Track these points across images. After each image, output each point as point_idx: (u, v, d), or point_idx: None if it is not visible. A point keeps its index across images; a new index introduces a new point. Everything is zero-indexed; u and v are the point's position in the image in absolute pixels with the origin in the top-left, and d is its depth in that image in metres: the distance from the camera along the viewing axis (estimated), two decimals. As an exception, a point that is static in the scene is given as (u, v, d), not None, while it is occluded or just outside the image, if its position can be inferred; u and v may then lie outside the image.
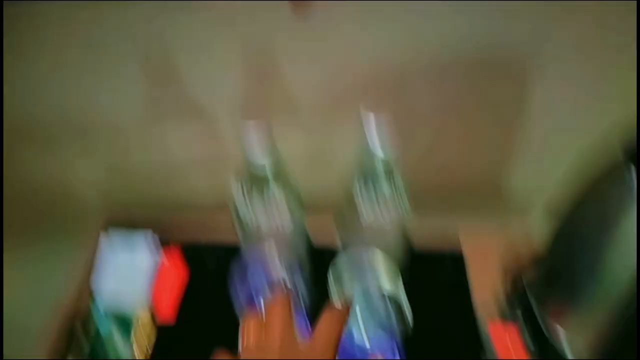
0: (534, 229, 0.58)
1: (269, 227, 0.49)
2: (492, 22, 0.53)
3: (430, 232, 0.67)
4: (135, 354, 0.57)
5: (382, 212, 0.47)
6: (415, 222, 0.52)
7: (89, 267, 0.65)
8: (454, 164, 0.71)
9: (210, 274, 0.64)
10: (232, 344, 0.40)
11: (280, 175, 0.47)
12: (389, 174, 0.47)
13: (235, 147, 0.45)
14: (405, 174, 0.48)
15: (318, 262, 0.58)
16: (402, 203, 0.48)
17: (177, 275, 0.64)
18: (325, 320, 0.37)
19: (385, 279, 0.50)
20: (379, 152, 0.44)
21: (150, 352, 0.57)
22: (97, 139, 0.68)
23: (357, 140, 0.45)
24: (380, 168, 0.46)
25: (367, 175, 0.47)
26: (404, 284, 0.52)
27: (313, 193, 0.56)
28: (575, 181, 0.46)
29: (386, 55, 0.56)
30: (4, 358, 0.63)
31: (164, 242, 0.66)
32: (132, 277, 0.62)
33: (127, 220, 0.70)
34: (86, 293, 0.62)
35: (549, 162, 0.69)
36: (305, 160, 0.69)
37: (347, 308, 0.39)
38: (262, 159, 0.44)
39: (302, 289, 0.53)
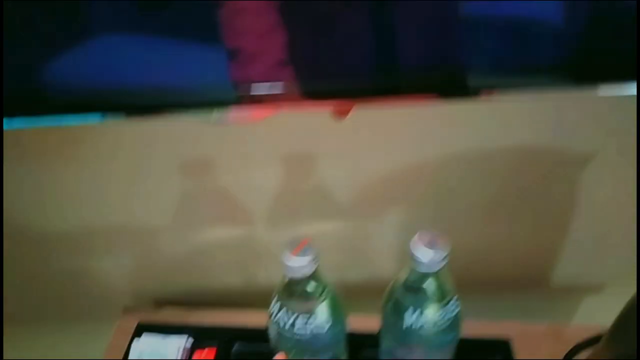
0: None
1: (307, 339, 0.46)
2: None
3: (479, 331, 0.64)
4: None
5: (430, 325, 0.45)
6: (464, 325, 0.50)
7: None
8: (501, 261, 0.69)
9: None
10: None
11: (323, 291, 0.46)
12: (439, 286, 0.45)
13: (269, 248, 0.44)
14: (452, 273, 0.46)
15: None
16: (452, 316, 0.45)
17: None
18: None
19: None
20: (428, 269, 0.42)
21: None
22: (131, 238, 0.68)
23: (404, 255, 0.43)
24: (430, 284, 0.44)
25: (413, 287, 0.45)
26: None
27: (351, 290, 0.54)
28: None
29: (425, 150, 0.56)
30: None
31: (197, 345, 0.64)
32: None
33: (158, 322, 0.68)
34: None
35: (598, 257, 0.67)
36: (342, 259, 0.68)
37: None
38: (303, 276, 0.43)
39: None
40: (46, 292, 0.74)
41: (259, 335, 0.65)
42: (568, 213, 0.65)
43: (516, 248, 0.68)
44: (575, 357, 0.61)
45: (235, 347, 0.66)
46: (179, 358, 0.61)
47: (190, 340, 0.65)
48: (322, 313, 0.46)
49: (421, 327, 0.45)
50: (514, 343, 0.62)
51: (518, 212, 0.64)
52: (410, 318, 0.45)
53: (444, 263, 0.42)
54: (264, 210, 0.63)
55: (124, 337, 0.66)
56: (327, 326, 0.46)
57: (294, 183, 0.59)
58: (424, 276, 0.44)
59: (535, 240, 0.68)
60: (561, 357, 0.61)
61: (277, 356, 0.42)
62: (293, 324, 0.45)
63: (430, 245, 0.42)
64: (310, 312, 0.45)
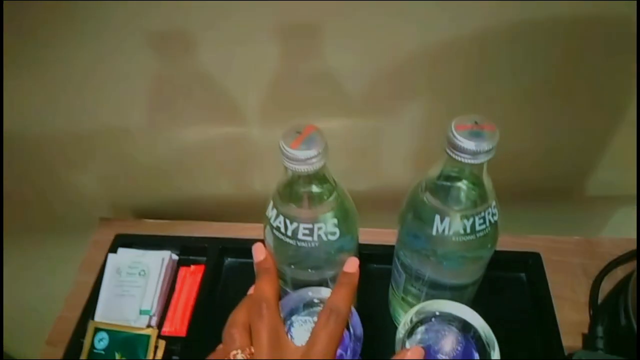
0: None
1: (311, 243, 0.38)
2: None
3: (506, 245, 0.56)
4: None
5: (468, 225, 0.36)
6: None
7: (93, 279, 0.55)
8: (531, 167, 0.60)
9: (229, 285, 0.56)
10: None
11: (325, 180, 0.36)
12: (477, 185, 0.35)
13: (264, 149, 0.34)
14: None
15: (370, 280, 0.48)
16: (488, 226, 0.36)
17: (190, 290, 0.54)
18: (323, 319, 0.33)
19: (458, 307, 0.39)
20: (472, 159, 0.32)
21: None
22: (104, 141, 0.58)
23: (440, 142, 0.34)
24: (466, 182, 0.35)
25: (445, 187, 0.36)
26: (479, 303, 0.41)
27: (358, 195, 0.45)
28: None
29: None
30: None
31: (183, 261, 0.57)
32: (140, 288, 0.53)
33: (139, 235, 0.59)
34: (87, 308, 0.53)
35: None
36: (346, 160, 0.58)
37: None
38: (308, 172, 0.33)
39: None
40: (19, 205, 0.66)
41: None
42: (613, 113, 0.55)
43: (548, 152, 0.59)
44: (611, 272, 0.55)
45: (227, 262, 0.58)
46: (162, 275, 0.54)
47: (175, 255, 0.57)
48: (330, 220, 0.37)
49: (451, 236, 0.36)
50: (544, 256, 0.55)
51: (553, 109, 0.54)
52: (439, 225, 0.36)
53: (490, 155, 0.33)
54: (256, 102, 0.52)
55: (100, 251, 0.58)
56: (335, 236, 0.37)
57: (294, 66, 0.48)
58: (461, 171, 0.35)
59: (571, 143, 0.58)
60: (594, 271, 0.55)
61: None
62: (295, 232, 0.36)
63: (475, 133, 0.32)
64: (315, 219, 0.37)
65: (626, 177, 0.61)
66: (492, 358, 0.35)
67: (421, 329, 0.38)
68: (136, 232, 0.60)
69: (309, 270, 0.40)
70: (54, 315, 0.55)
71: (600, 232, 0.70)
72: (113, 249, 0.56)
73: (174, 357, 0.50)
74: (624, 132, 0.56)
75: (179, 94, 0.52)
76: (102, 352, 0.49)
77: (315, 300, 0.38)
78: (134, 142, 0.58)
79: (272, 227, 0.38)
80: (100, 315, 0.52)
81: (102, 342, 0.49)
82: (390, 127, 0.55)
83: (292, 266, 0.39)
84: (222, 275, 0.57)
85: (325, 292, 0.38)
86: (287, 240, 0.37)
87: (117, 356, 0.48)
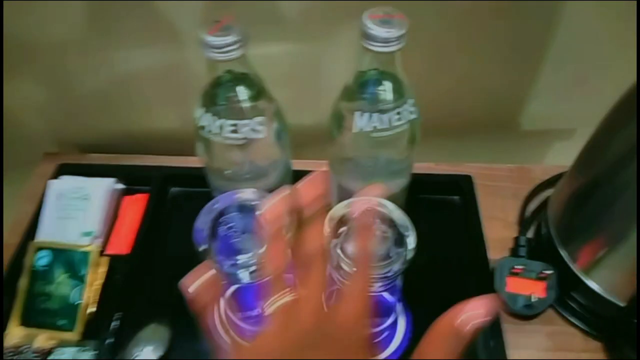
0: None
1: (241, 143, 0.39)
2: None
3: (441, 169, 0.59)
4: (84, 291, 0.49)
5: (385, 119, 0.37)
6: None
7: (33, 206, 0.55)
8: (468, 101, 0.62)
9: (172, 208, 0.57)
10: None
11: (251, 82, 0.37)
12: (393, 80, 0.37)
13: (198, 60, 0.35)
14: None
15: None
16: (409, 111, 0.38)
17: (134, 211, 0.55)
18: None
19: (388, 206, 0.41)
20: (383, 48, 0.34)
21: (100, 287, 0.50)
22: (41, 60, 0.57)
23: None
24: (383, 77, 0.36)
25: (363, 84, 0.37)
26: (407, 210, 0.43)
27: (298, 119, 0.46)
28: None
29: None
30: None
31: (127, 191, 0.57)
32: (82, 211, 0.53)
33: (83, 164, 0.59)
34: (29, 232, 0.53)
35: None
36: (290, 79, 0.58)
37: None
38: (228, 58, 0.34)
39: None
40: None
41: (198, 178, 0.59)
42: (544, 50, 0.57)
43: (485, 86, 0.61)
44: (539, 194, 0.58)
45: (171, 191, 0.59)
46: (105, 200, 0.54)
47: (119, 183, 0.57)
48: (257, 118, 0.38)
49: (373, 130, 0.38)
50: (478, 182, 0.58)
51: (489, 46, 0.56)
52: (360, 121, 0.38)
53: (400, 44, 0.34)
54: (193, 23, 0.52)
55: (43, 182, 0.58)
56: (260, 134, 0.38)
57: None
58: (376, 63, 0.36)
59: (506, 78, 0.61)
60: (525, 195, 0.58)
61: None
62: (223, 128, 0.37)
63: (385, 21, 0.34)
64: (243, 115, 0.38)
65: (559, 111, 0.65)
66: (409, 244, 0.37)
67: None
68: (80, 162, 0.60)
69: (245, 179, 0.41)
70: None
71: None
72: (55, 177, 0.56)
73: (117, 276, 0.51)
74: (552, 66, 0.59)
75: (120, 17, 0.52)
76: (44, 269, 0.49)
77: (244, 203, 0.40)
78: (76, 71, 0.57)
79: (199, 128, 0.39)
80: (42, 237, 0.52)
81: (43, 259, 0.49)
82: (327, 53, 0.56)
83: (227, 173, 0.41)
84: (166, 203, 0.58)
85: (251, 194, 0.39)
86: (215, 138, 0.38)
87: (59, 273, 0.49)
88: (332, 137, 0.41)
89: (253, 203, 0.39)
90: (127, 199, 0.57)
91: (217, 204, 0.39)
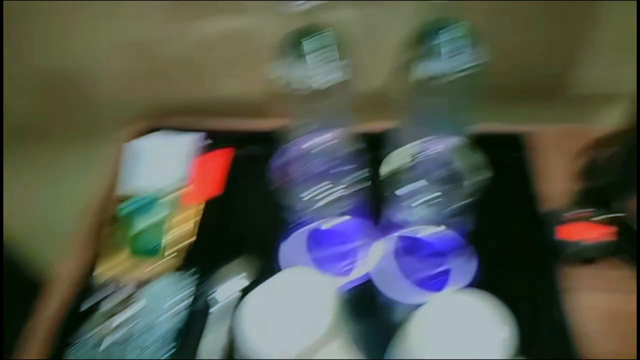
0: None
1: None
2: None
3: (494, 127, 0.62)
4: (171, 240, 0.55)
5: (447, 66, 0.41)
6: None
7: (117, 166, 0.62)
8: (517, 64, 0.65)
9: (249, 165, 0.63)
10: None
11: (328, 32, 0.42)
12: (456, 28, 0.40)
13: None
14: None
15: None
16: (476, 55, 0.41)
17: (215, 165, 0.62)
18: None
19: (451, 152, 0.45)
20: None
21: (193, 224, 0.56)
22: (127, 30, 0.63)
23: None
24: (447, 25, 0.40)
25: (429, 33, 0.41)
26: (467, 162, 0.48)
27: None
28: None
29: None
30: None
31: (210, 148, 0.64)
32: (169, 166, 0.60)
33: (167, 127, 0.66)
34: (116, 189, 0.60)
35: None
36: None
37: None
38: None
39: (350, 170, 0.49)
40: (44, 101, 0.72)
41: (272, 139, 0.65)
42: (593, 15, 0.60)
43: (533, 50, 0.64)
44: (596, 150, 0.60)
45: (247, 150, 0.65)
46: (188, 155, 0.61)
47: (199, 141, 0.64)
48: (336, 65, 0.42)
49: (436, 77, 0.41)
50: (533, 141, 0.61)
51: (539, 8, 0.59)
52: (422, 69, 0.41)
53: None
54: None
55: (130, 139, 0.65)
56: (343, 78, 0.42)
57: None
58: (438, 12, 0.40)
59: (554, 42, 0.63)
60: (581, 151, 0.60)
61: None
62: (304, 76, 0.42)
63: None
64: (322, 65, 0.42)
65: (610, 77, 0.67)
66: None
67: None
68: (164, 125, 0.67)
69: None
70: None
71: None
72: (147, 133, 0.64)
73: (207, 216, 0.57)
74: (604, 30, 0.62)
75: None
76: (138, 210, 0.56)
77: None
78: (158, 39, 0.64)
79: (279, 80, 0.43)
80: (139, 184, 0.59)
81: (137, 202, 0.57)
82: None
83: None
84: (244, 160, 0.64)
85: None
86: (295, 87, 0.43)
87: (151, 214, 0.56)
88: (395, 89, 0.46)
89: (327, 146, 0.44)
90: (208, 156, 0.64)
91: (295, 146, 0.44)
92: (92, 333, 0.49)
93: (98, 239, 0.56)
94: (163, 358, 0.47)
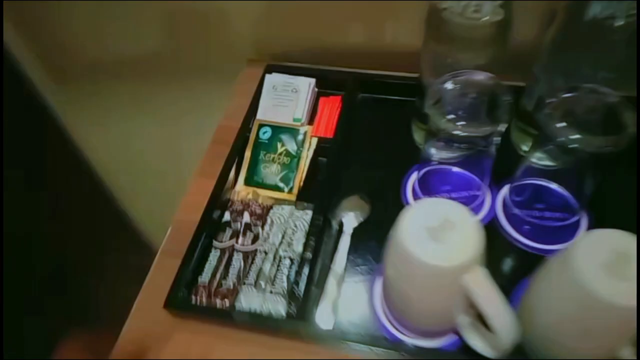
0: None
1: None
2: None
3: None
4: (299, 161, 0.58)
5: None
6: None
7: (247, 99, 0.65)
8: None
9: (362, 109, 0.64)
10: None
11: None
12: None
13: None
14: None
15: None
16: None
17: (330, 108, 0.64)
18: None
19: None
20: None
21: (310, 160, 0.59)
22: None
23: None
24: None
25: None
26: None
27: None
28: None
29: None
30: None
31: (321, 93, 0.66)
32: (292, 101, 0.62)
33: (287, 66, 0.68)
34: (249, 114, 0.63)
35: None
36: None
37: None
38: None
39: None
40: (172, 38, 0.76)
41: (386, 85, 0.65)
42: None
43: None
44: None
45: (361, 96, 0.66)
46: (309, 94, 0.62)
47: (320, 84, 0.65)
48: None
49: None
50: None
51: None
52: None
53: None
54: None
55: (250, 82, 0.68)
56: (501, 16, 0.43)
57: None
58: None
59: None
60: None
61: None
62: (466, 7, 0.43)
63: None
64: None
65: None
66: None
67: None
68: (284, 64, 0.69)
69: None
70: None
71: None
72: (266, 74, 0.66)
73: (320, 158, 0.59)
74: None
75: None
76: (266, 142, 0.59)
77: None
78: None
79: (442, 10, 0.44)
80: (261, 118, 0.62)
81: (266, 133, 0.59)
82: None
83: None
84: (357, 104, 0.65)
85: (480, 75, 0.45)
86: (456, 19, 0.43)
87: (279, 146, 0.58)
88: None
89: (483, 83, 0.44)
90: (323, 99, 0.65)
91: (450, 79, 0.44)
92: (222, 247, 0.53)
93: (229, 162, 0.59)
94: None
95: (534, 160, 0.49)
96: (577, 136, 0.40)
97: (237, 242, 0.53)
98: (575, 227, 0.52)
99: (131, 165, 1.04)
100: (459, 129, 0.42)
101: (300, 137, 0.59)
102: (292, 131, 0.59)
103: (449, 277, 0.38)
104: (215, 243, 0.53)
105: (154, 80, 0.83)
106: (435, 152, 0.54)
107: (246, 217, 0.55)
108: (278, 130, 0.60)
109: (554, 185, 0.54)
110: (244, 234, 0.54)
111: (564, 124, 0.40)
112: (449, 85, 0.44)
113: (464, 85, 0.44)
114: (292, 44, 0.72)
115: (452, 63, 0.46)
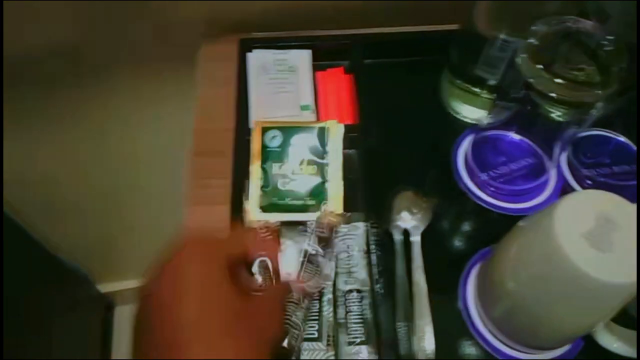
0: None
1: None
2: None
3: None
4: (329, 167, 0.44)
5: None
6: None
7: (217, 91, 0.50)
8: None
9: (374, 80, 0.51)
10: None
11: None
12: None
13: None
14: None
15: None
16: None
17: (334, 83, 0.50)
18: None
19: None
20: None
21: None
22: None
23: None
24: None
25: None
26: None
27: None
28: None
29: None
30: None
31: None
32: (294, 84, 0.48)
33: (263, 38, 0.52)
34: (239, 112, 0.48)
35: None
36: None
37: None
38: None
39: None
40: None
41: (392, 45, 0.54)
42: None
43: None
44: None
45: (366, 63, 0.53)
46: (311, 73, 0.48)
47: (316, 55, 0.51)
48: None
49: None
50: None
51: None
52: None
53: None
54: None
55: (214, 63, 0.52)
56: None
57: None
58: None
59: None
60: None
61: None
62: None
63: None
64: None
65: None
66: None
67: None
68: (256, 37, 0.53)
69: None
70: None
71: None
72: (243, 52, 0.50)
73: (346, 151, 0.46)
74: None
75: None
76: (277, 149, 0.44)
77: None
78: None
79: None
80: (257, 116, 0.46)
81: (275, 139, 0.44)
82: None
83: None
84: (368, 76, 0.51)
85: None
86: None
87: (295, 152, 0.44)
88: None
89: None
90: (321, 75, 0.51)
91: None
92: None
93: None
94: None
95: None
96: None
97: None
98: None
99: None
100: (562, 89, 0.33)
101: (321, 133, 0.44)
102: (308, 129, 0.45)
103: (622, 293, 0.30)
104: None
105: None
106: (487, 117, 0.45)
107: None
108: (290, 131, 0.44)
109: (608, 133, 0.48)
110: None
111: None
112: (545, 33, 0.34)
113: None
114: (259, 2, 0.55)
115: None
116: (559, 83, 0.33)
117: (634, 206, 0.30)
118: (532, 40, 0.35)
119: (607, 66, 0.34)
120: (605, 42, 0.35)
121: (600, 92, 0.34)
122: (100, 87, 0.61)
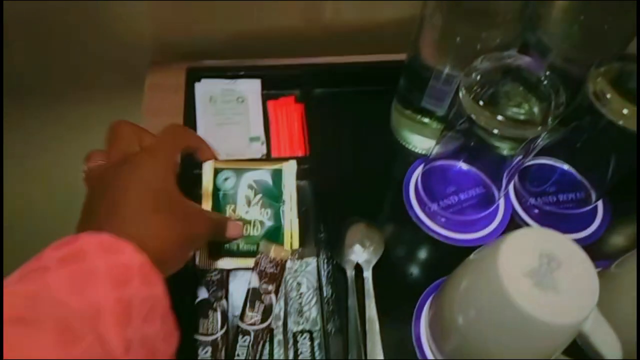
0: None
1: None
2: None
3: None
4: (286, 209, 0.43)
5: None
6: None
7: (165, 120, 0.47)
8: None
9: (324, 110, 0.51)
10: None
11: None
12: None
13: None
14: None
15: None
16: None
17: (285, 114, 0.50)
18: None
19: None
20: None
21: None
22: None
23: None
24: None
25: None
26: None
27: None
28: None
29: None
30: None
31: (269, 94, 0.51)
32: (242, 115, 0.47)
33: (214, 67, 0.51)
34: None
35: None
36: None
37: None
38: None
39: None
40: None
41: (341, 75, 0.54)
42: None
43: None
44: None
45: (316, 92, 0.53)
46: (259, 102, 0.47)
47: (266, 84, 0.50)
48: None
49: None
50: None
51: None
52: None
53: None
54: None
55: (162, 93, 0.50)
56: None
57: None
58: None
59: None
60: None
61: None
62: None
63: None
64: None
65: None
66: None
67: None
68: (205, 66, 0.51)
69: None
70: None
71: None
72: (191, 81, 0.48)
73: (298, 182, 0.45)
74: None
75: None
76: (230, 191, 0.41)
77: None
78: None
79: None
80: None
81: (228, 180, 0.42)
82: None
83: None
84: (318, 105, 0.51)
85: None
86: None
87: (250, 193, 0.42)
88: None
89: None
90: (272, 103, 0.50)
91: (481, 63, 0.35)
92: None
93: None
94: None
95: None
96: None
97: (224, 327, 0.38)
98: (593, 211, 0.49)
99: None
100: (503, 126, 0.34)
101: (276, 174, 0.42)
102: (262, 171, 0.42)
103: (565, 333, 0.30)
104: (199, 337, 0.38)
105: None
106: (437, 148, 0.45)
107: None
108: (243, 173, 0.42)
109: (553, 162, 0.49)
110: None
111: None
112: (486, 69, 0.35)
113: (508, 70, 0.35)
114: (208, 30, 0.54)
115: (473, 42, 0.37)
116: (500, 120, 0.33)
117: (577, 245, 0.30)
118: (473, 76, 0.35)
119: (547, 101, 0.35)
120: (544, 78, 0.36)
121: (540, 127, 0.34)
122: (47, 114, 0.58)
